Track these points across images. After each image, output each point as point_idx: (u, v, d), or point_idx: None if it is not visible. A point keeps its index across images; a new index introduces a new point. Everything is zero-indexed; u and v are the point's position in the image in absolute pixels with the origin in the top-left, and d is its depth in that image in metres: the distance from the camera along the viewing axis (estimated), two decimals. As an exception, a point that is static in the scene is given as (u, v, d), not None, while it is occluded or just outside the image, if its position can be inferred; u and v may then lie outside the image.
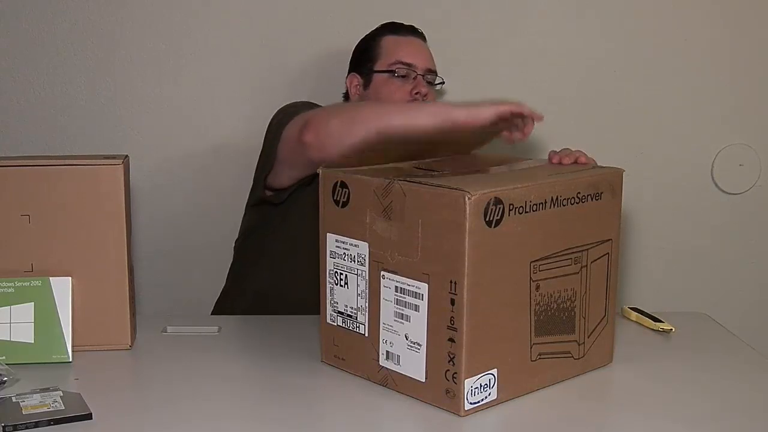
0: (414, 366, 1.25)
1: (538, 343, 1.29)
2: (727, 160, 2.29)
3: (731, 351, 1.53)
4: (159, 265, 2.20)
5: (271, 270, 1.79)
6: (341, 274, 1.34)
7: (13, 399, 1.23)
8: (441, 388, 1.22)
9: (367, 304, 1.31)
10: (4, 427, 1.14)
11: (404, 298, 1.25)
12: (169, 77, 2.15)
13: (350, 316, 1.34)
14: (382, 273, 1.27)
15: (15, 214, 1.42)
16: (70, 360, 1.40)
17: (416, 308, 1.23)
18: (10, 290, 1.41)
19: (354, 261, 1.31)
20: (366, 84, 1.85)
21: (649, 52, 2.23)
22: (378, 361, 1.30)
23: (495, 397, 1.24)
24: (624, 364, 1.45)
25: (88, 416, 1.19)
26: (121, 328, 1.46)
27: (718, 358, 1.49)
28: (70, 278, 1.42)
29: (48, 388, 1.27)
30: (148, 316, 1.66)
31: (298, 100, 1.82)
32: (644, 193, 2.28)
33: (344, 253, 1.32)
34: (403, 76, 1.81)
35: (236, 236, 1.92)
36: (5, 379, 1.30)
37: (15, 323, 1.40)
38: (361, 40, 1.91)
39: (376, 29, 1.90)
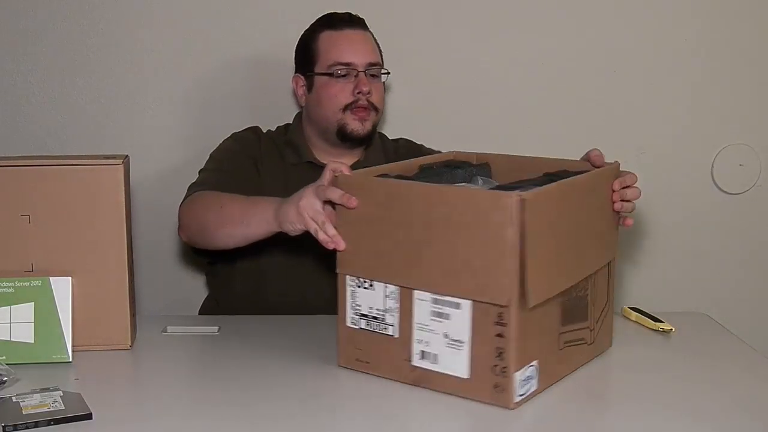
0: (455, 363, 1.24)
1: (564, 332, 1.31)
2: (727, 160, 2.29)
3: (731, 351, 1.53)
4: (159, 265, 2.20)
5: (242, 292, 1.80)
6: (365, 280, 1.32)
7: (13, 399, 1.23)
8: (488, 383, 1.22)
9: (397, 305, 1.29)
10: (4, 427, 1.14)
11: (444, 297, 1.24)
12: (170, 77, 2.15)
13: (376, 318, 1.32)
14: None
15: (15, 214, 1.42)
16: (70, 360, 1.40)
17: (457, 306, 1.23)
18: (10, 290, 1.41)
19: None
20: (309, 86, 1.79)
21: (649, 52, 2.23)
22: (411, 361, 1.29)
23: (536, 387, 1.25)
24: (624, 364, 1.45)
25: (88, 416, 1.19)
26: (121, 328, 1.46)
27: (718, 358, 1.49)
28: (70, 278, 1.42)
29: (48, 388, 1.27)
30: (148, 316, 1.66)
31: (238, 134, 1.84)
32: (644, 193, 2.27)
33: None
34: (343, 76, 1.74)
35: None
36: (5, 379, 1.30)
37: (15, 323, 1.40)
38: (301, 37, 1.83)
39: (313, 24, 1.82)
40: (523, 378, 1.23)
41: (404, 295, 1.28)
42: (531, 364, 1.24)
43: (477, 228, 1.20)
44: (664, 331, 1.59)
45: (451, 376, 1.25)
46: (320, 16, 1.83)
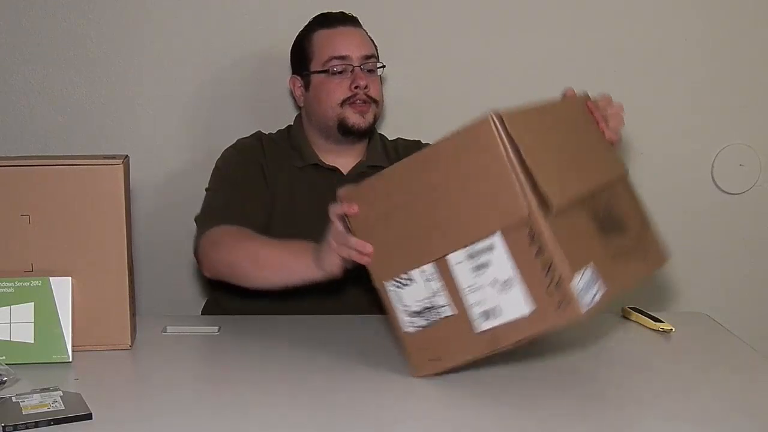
0: (515, 304, 1.22)
1: (607, 243, 1.28)
2: (727, 160, 2.29)
3: (731, 351, 1.53)
4: (159, 265, 2.20)
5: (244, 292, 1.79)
6: (402, 276, 1.30)
7: (13, 399, 1.23)
8: (552, 305, 1.19)
9: (440, 282, 1.27)
10: (4, 427, 1.14)
11: (475, 245, 1.23)
12: (170, 77, 2.15)
13: (429, 308, 1.30)
14: None
15: (15, 214, 1.42)
16: (70, 360, 1.40)
17: (491, 248, 1.22)
18: (10, 290, 1.41)
19: None
20: (306, 86, 1.80)
21: (649, 52, 2.23)
22: (476, 329, 1.26)
23: (602, 290, 1.22)
24: (624, 364, 1.45)
25: (88, 416, 1.19)
26: (121, 328, 1.46)
27: (718, 358, 1.49)
28: (70, 278, 1.42)
29: (48, 388, 1.27)
30: (148, 316, 1.66)
31: (241, 142, 1.82)
32: (644, 193, 2.27)
33: None
34: (339, 72, 1.74)
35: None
36: (5, 379, 1.30)
37: (15, 323, 1.40)
38: (296, 39, 1.84)
39: (307, 25, 1.83)
40: (582, 285, 1.19)
41: (442, 268, 1.26)
42: (585, 268, 1.20)
43: (470, 165, 1.21)
44: (664, 331, 1.59)
45: (517, 319, 1.22)
46: (313, 17, 1.83)
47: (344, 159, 1.80)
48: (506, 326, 1.23)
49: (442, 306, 1.28)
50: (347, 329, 1.60)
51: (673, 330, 1.58)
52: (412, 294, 1.30)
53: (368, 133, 1.79)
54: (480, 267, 1.23)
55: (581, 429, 1.21)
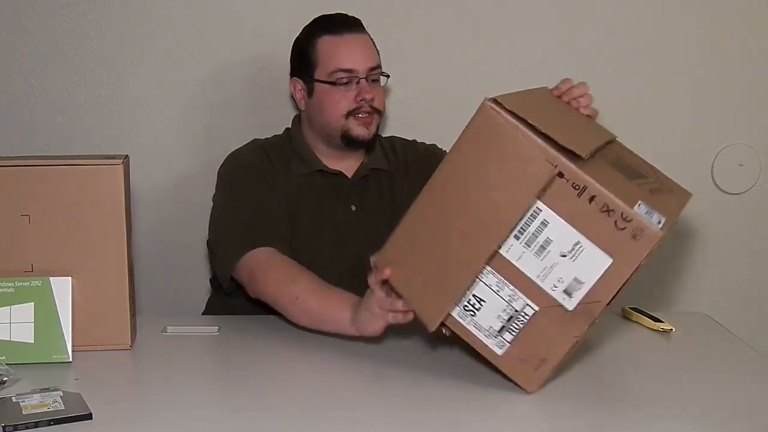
0: (591, 263, 1.21)
1: (637, 184, 1.28)
2: (727, 160, 2.28)
3: (731, 351, 1.53)
4: (159, 265, 2.20)
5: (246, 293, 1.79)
6: (473, 300, 1.28)
7: (13, 399, 1.23)
8: (627, 240, 1.18)
9: (506, 283, 1.25)
10: (4, 427, 1.14)
11: (519, 223, 1.22)
12: (170, 77, 2.15)
13: (512, 316, 1.27)
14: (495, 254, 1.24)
15: (15, 214, 1.42)
16: (70, 360, 1.40)
17: (544, 223, 1.21)
18: (10, 290, 1.41)
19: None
20: (309, 92, 1.77)
21: (649, 52, 2.23)
22: (567, 309, 1.23)
23: (664, 217, 1.21)
24: (624, 364, 1.45)
25: (88, 416, 1.19)
26: (121, 328, 1.46)
27: (718, 358, 1.49)
28: (70, 278, 1.42)
29: (48, 388, 1.27)
30: (148, 316, 1.66)
31: (245, 155, 1.79)
32: (644, 193, 2.28)
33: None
34: (345, 83, 1.72)
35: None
36: (5, 379, 1.30)
37: (15, 323, 1.40)
38: (297, 39, 1.80)
39: (310, 27, 1.78)
40: (644, 210, 1.19)
41: (500, 266, 1.24)
42: (638, 203, 1.20)
43: (485, 156, 1.21)
44: (664, 331, 1.59)
45: (601, 278, 1.20)
46: (315, 18, 1.81)
47: (346, 163, 1.80)
48: (591, 291, 1.21)
49: (524, 307, 1.25)
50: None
51: (673, 330, 1.58)
52: (489, 312, 1.27)
53: (372, 143, 1.79)
54: (542, 248, 1.22)
55: (581, 428, 1.21)
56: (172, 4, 2.13)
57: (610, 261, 1.19)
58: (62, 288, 1.42)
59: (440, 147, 1.86)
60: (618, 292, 1.21)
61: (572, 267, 1.21)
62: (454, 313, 1.29)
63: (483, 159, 1.22)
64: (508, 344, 1.27)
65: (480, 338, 1.28)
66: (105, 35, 2.13)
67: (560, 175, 1.19)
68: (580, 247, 1.20)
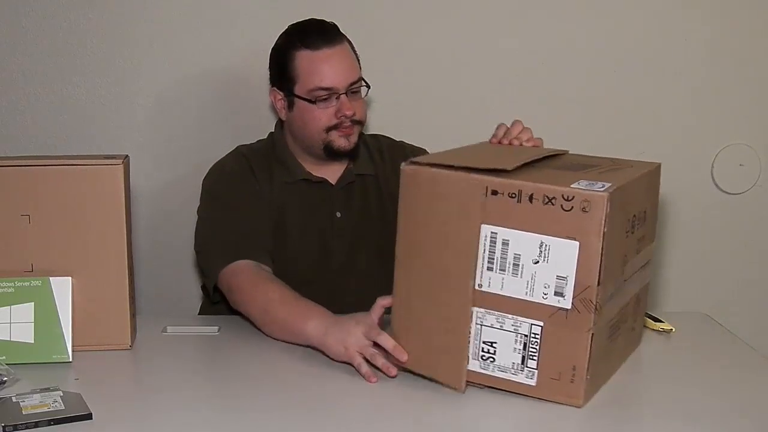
0: (562, 255, 1.20)
1: (584, 173, 1.29)
2: (727, 160, 2.29)
3: (731, 351, 1.53)
4: (159, 265, 2.20)
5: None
6: (485, 347, 1.28)
7: (13, 399, 1.23)
8: (578, 217, 1.18)
9: (509, 315, 1.25)
10: (4, 427, 1.14)
11: (493, 255, 1.25)
12: (170, 77, 2.15)
13: (525, 343, 1.25)
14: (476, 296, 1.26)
15: (15, 214, 1.42)
16: (70, 360, 1.40)
17: (505, 243, 1.23)
18: (10, 290, 1.41)
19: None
20: (290, 105, 1.75)
21: (649, 52, 2.23)
22: (566, 309, 1.21)
23: (608, 183, 1.21)
24: (624, 364, 1.45)
25: (88, 416, 1.19)
26: (121, 328, 1.46)
27: (718, 358, 1.49)
28: (70, 278, 1.42)
29: (48, 388, 1.27)
30: (148, 316, 1.66)
31: (228, 166, 1.78)
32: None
33: None
34: (325, 100, 1.69)
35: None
36: (5, 379, 1.30)
37: (15, 323, 1.40)
38: (274, 50, 1.77)
39: (286, 38, 1.75)
40: (584, 185, 1.21)
41: (490, 302, 1.25)
42: (576, 181, 1.21)
43: (424, 208, 1.29)
44: (664, 331, 1.59)
45: (578, 263, 1.19)
46: (290, 26, 1.76)
47: (331, 169, 1.79)
48: (580, 277, 1.20)
49: (530, 328, 1.24)
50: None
51: (673, 330, 1.58)
52: (505, 350, 1.26)
53: (355, 153, 1.76)
54: (515, 266, 1.23)
55: (581, 428, 1.21)
56: (173, 5, 2.13)
57: (577, 244, 1.19)
58: (62, 288, 1.42)
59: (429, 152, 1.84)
60: (601, 269, 1.19)
61: (549, 268, 1.22)
62: (477, 368, 1.28)
63: (424, 216, 1.28)
64: (535, 371, 1.26)
65: (509, 378, 1.27)
66: (105, 35, 2.13)
67: (494, 192, 1.22)
68: (545, 246, 1.21)
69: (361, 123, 1.75)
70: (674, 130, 2.27)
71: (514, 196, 1.21)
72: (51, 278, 1.41)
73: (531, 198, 1.20)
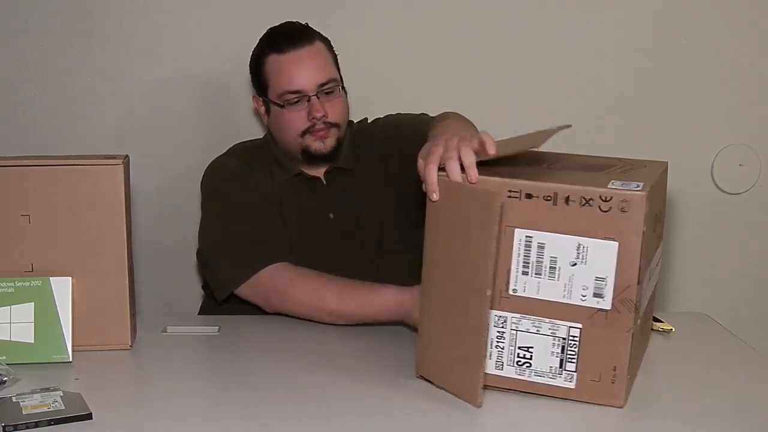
0: (601, 256, 1.19)
1: (605, 173, 1.29)
2: (727, 160, 2.29)
3: (731, 351, 1.53)
4: (159, 265, 2.20)
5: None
6: (521, 352, 1.26)
7: (13, 399, 1.23)
8: (617, 217, 1.17)
9: (546, 319, 1.23)
10: (4, 427, 1.14)
11: (528, 259, 1.23)
12: (170, 77, 2.15)
13: (563, 346, 1.24)
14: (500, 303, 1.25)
15: (15, 214, 1.42)
16: (70, 360, 1.40)
17: (540, 246, 1.22)
18: (10, 290, 1.41)
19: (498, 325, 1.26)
20: (267, 110, 1.76)
21: (649, 52, 2.23)
22: (606, 310, 1.20)
23: (641, 182, 1.21)
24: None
25: (88, 416, 1.19)
26: (121, 328, 1.46)
27: (718, 358, 1.49)
28: (70, 278, 1.42)
29: (48, 388, 1.27)
30: (148, 316, 1.66)
31: (227, 166, 1.77)
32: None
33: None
34: (296, 103, 1.69)
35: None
36: (5, 379, 1.30)
37: (15, 323, 1.40)
38: (251, 56, 1.78)
39: (260, 44, 1.76)
40: (620, 185, 1.21)
41: (526, 307, 1.23)
42: (610, 182, 1.21)
43: (453, 216, 1.24)
44: (664, 331, 1.59)
45: (618, 264, 1.18)
46: (266, 31, 1.77)
47: (319, 170, 1.79)
48: (620, 278, 1.19)
49: (568, 331, 1.23)
50: (347, 330, 1.59)
51: (673, 330, 1.58)
52: (542, 354, 1.25)
53: (333, 156, 1.75)
54: (552, 269, 1.22)
55: (581, 428, 1.21)
56: (173, 4, 2.13)
57: (616, 244, 1.19)
58: (62, 288, 1.42)
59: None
60: (641, 268, 1.19)
61: (588, 270, 1.20)
62: (513, 374, 1.27)
63: (449, 223, 1.24)
64: (574, 373, 1.24)
65: (547, 383, 1.26)
66: (105, 35, 2.13)
67: (528, 196, 1.21)
68: (583, 247, 1.20)
69: (337, 125, 1.73)
70: (674, 130, 2.27)
71: (549, 198, 1.20)
72: (51, 278, 1.41)
73: (567, 200, 1.19)
